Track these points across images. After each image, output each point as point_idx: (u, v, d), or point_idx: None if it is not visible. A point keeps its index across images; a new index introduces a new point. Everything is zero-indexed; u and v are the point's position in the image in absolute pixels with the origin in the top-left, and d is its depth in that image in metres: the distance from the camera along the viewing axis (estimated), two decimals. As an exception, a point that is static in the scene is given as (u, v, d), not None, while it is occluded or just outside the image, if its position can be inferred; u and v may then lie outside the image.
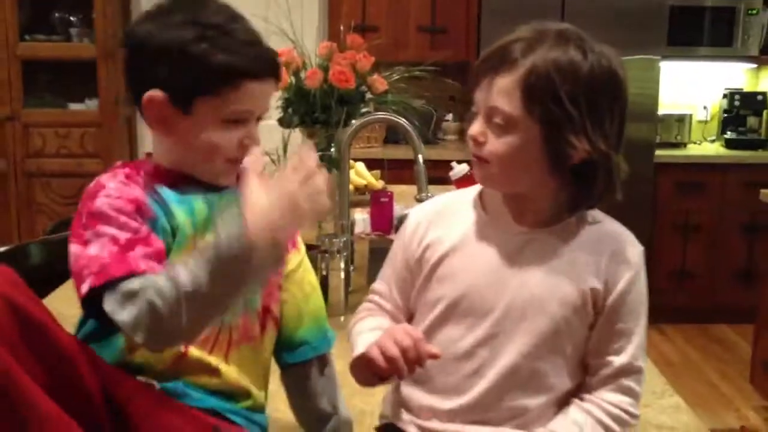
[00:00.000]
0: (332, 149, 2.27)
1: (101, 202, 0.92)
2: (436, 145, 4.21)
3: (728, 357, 3.72)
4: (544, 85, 0.90)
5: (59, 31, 3.93)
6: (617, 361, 0.95)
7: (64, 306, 1.66)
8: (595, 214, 1.00)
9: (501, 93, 0.92)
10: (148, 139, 4.50)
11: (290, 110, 2.34)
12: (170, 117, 0.97)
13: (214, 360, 1.00)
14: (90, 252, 0.90)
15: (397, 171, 3.38)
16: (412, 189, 2.55)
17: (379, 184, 2.74)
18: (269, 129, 2.31)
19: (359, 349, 0.98)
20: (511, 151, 0.93)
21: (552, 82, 0.90)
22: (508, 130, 0.92)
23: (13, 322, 0.84)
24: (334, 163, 2.20)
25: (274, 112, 2.35)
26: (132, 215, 0.93)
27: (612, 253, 0.96)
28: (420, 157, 1.82)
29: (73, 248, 0.92)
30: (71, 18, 3.95)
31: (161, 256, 0.92)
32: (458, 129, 4.34)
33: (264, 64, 0.97)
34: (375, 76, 2.38)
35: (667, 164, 3.98)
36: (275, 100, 2.33)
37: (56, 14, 3.95)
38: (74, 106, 4.00)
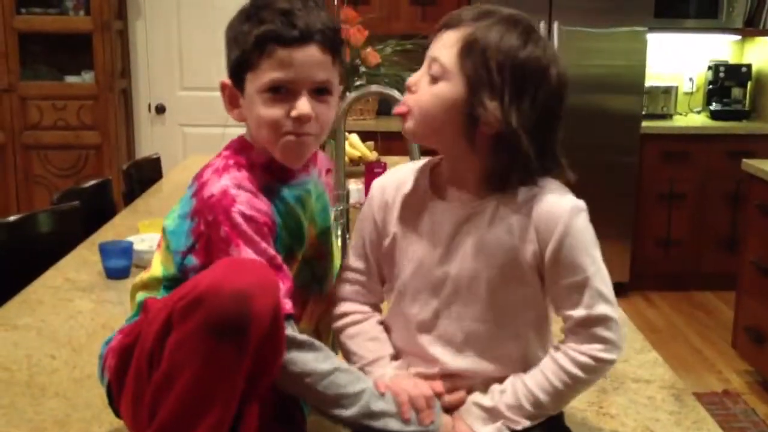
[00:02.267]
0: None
1: (239, 221, 0.96)
2: (428, 117, 4.27)
3: (711, 323, 3.85)
4: (481, 47, 0.96)
5: (55, 4, 3.96)
6: (575, 314, 1.00)
7: (73, 272, 1.75)
8: (541, 183, 1.02)
9: (444, 45, 0.98)
10: (143, 112, 4.57)
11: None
12: (236, 99, 1.04)
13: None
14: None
15: (390, 142, 3.44)
16: (404, 160, 2.63)
17: (373, 155, 2.81)
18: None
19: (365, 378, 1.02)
20: (434, 101, 0.97)
21: (488, 47, 0.96)
22: (440, 80, 0.97)
23: (272, 331, 0.90)
24: (330, 134, 2.28)
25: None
26: (268, 239, 0.98)
27: (540, 214, 1.00)
28: (413, 129, 1.89)
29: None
30: (66, -9, 3.98)
31: (289, 293, 0.98)
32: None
33: (295, 30, 0.97)
34: (368, 50, 2.44)
35: (653, 135, 4.05)
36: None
37: (51, -13, 3.98)
38: (71, 79, 4.05)
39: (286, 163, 1.04)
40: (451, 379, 1.04)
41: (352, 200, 2.37)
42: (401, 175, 1.09)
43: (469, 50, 0.96)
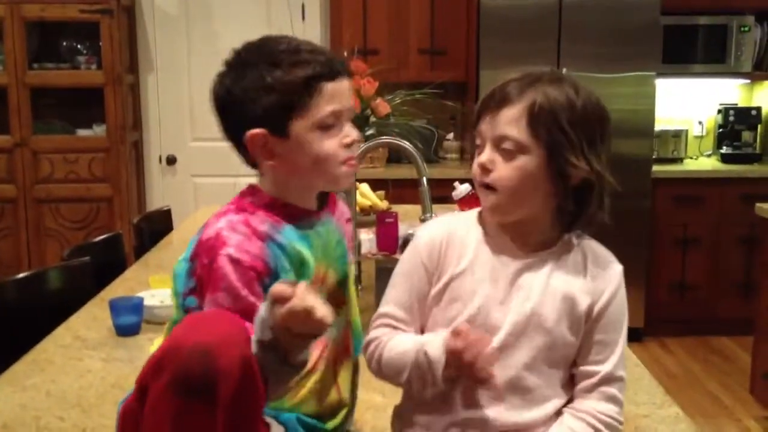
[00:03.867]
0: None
1: (224, 265, 0.98)
2: (438, 164, 4.28)
3: (729, 368, 3.77)
4: (548, 113, 1.01)
5: (67, 59, 4.02)
6: (602, 370, 1.04)
7: (83, 329, 1.73)
8: (581, 236, 1.10)
9: (509, 122, 1.02)
10: (154, 164, 4.60)
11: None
12: (274, 146, 1.05)
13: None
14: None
15: (401, 190, 3.45)
16: (416, 209, 2.62)
17: (384, 204, 2.80)
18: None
19: (433, 340, 1.03)
20: (520, 175, 1.02)
21: (554, 110, 1.01)
22: (517, 155, 1.01)
23: (244, 383, 0.88)
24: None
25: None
26: (252, 285, 0.99)
27: (597, 271, 1.07)
28: (424, 180, 1.89)
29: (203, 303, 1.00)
30: (78, 46, 4.04)
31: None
32: (459, 148, 4.42)
33: (335, 64, 1.04)
34: (378, 100, 2.44)
35: (664, 179, 4.04)
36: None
37: (64, 43, 4.04)
38: (82, 132, 4.08)
39: (339, 188, 1.11)
40: (484, 426, 1.04)
41: (363, 250, 2.36)
42: (450, 224, 1.12)
43: (537, 120, 1.01)
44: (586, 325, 1.05)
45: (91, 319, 1.82)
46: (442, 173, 3.84)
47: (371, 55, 4.00)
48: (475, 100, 4.45)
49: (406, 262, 1.11)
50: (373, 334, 1.10)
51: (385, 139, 2.04)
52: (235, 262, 0.98)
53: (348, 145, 1.06)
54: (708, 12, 4.16)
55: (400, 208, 2.87)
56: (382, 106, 2.45)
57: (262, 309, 0.90)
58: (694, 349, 4.03)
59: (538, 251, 1.06)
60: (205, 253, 1.01)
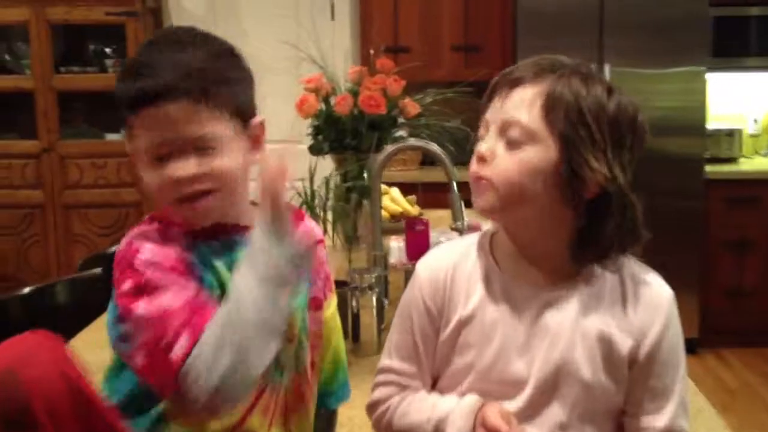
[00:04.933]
0: (365, 176, 2.20)
1: (142, 270, 0.86)
2: (474, 166, 4.11)
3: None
4: (569, 103, 0.83)
5: (94, 63, 3.95)
6: (657, 423, 0.86)
7: (86, 352, 1.61)
8: (617, 258, 0.91)
9: (519, 104, 0.85)
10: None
11: (320, 137, 2.28)
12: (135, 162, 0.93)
13: None
14: (149, 317, 0.84)
15: (435, 194, 3.28)
16: (449, 214, 2.47)
17: (415, 210, 2.65)
18: (298, 155, 2.26)
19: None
20: (522, 170, 0.84)
21: (578, 101, 0.84)
22: (524, 144, 0.84)
23: (67, 395, 0.80)
24: (366, 192, 2.13)
25: (305, 138, 2.30)
26: (185, 277, 0.87)
27: (639, 301, 0.88)
28: (454, 185, 1.73)
29: (128, 319, 0.86)
30: (105, 49, 3.97)
31: None
32: (497, 148, 4.25)
33: (148, 86, 0.86)
34: (406, 100, 2.31)
35: (717, 180, 3.81)
36: (305, 127, 2.28)
37: (90, 46, 3.98)
38: (111, 137, 4.01)
39: (196, 225, 0.92)
40: None
41: (392, 259, 2.21)
42: (453, 253, 0.94)
43: (555, 107, 0.83)
44: (631, 372, 0.86)
45: (95, 340, 1.70)
46: (479, 175, 3.68)
47: (402, 53, 3.85)
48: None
49: (407, 304, 0.95)
50: (378, 394, 0.95)
51: (412, 141, 1.90)
52: (153, 264, 0.86)
53: (175, 184, 0.87)
54: (761, 2, 3.91)
55: (433, 214, 2.71)
56: (411, 106, 2.30)
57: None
58: (752, 361, 3.79)
59: (563, 281, 0.88)
60: (117, 266, 0.88)
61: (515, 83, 0.86)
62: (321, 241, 1.05)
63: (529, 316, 0.87)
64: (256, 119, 0.95)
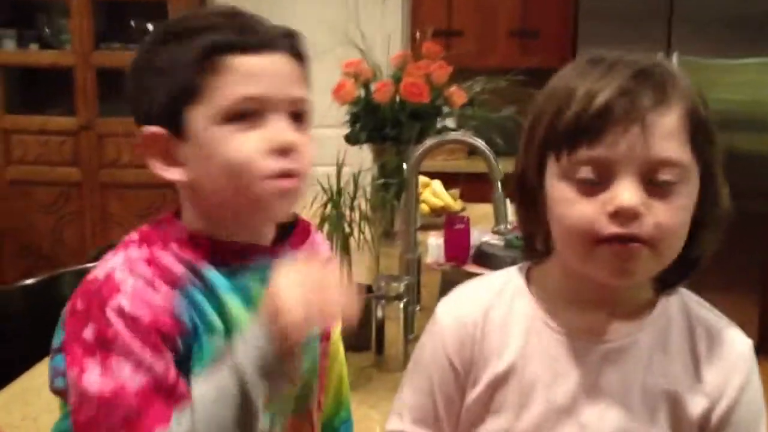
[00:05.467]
0: (404, 169, 2.05)
1: (114, 321, 0.69)
2: (524, 158, 3.91)
3: None
4: (704, 120, 0.71)
5: (135, 39, 3.85)
6: None
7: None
8: (683, 296, 0.78)
9: (668, 136, 0.68)
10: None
11: (358, 126, 2.13)
12: (175, 152, 0.74)
13: None
14: (97, 391, 0.68)
15: (481, 185, 3.10)
16: (491, 209, 2.29)
17: (458, 204, 2.48)
18: (333, 142, 2.11)
19: None
20: (683, 221, 0.70)
21: (708, 118, 0.71)
22: (678, 187, 0.69)
23: None
24: (404, 185, 1.97)
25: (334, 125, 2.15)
26: (159, 349, 0.69)
27: (714, 354, 0.74)
28: (499, 185, 1.56)
29: (72, 374, 0.71)
30: (147, 25, 3.87)
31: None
32: (549, 140, 4.04)
33: (250, 31, 0.73)
34: (453, 88, 2.14)
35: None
36: (340, 111, 2.13)
37: (132, 22, 3.88)
38: (150, 116, 3.93)
39: (271, 218, 0.77)
40: None
41: (429, 259, 2.05)
42: (483, 295, 0.79)
43: (698, 129, 0.70)
44: None
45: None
46: (529, 168, 3.49)
47: (455, 36, 3.67)
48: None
49: (425, 358, 0.79)
50: None
51: (455, 134, 1.74)
52: (129, 318, 0.68)
53: (277, 151, 0.72)
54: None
55: (477, 209, 2.54)
56: (457, 94, 2.14)
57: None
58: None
59: (626, 323, 0.73)
60: (85, 297, 0.72)
61: (646, 108, 0.68)
62: (330, 260, 0.89)
63: (580, 373, 0.72)
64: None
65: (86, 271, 1.85)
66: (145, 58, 0.76)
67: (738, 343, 0.75)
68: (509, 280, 0.79)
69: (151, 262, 0.72)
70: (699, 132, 0.69)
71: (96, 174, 3.89)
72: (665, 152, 0.67)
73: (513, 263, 2.06)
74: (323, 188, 1.40)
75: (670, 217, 0.67)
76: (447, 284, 1.88)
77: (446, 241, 2.01)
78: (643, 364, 0.72)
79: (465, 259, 1.98)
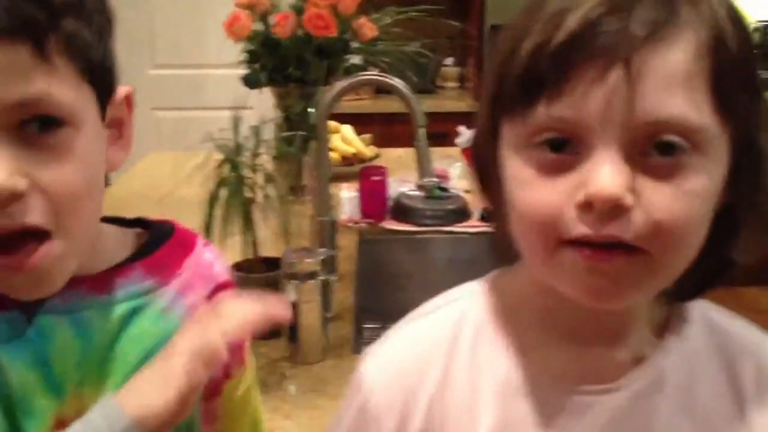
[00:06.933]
0: (310, 113, 1.82)
1: None
2: (435, 94, 3.73)
3: None
4: (737, 56, 0.46)
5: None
6: None
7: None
8: (701, 307, 0.58)
9: (667, 85, 0.45)
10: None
11: (257, 66, 1.88)
12: None
13: None
14: None
15: (393, 126, 2.92)
16: (410, 155, 2.11)
17: (371, 151, 2.28)
18: (230, 84, 1.85)
19: None
20: (700, 208, 0.47)
21: (743, 49, 0.47)
22: (690, 161, 0.46)
23: None
24: (311, 133, 1.75)
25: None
26: None
27: (763, 386, 0.55)
28: (421, 132, 1.37)
29: None
30: None
31: None
32: (458, 75, 3.87)
33: None
34: (362, 20, 1.91)
35: None
36: (237, 53, 1.87)
37: None
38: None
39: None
40: None
41: (343, 216, 1.85)
42: (428, 339, 0.56)
43: (722, 74, 0.46)
44: None
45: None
46: (440, 106, 3.32)
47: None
48: (480, 16, 3.77)
49: (347, 425, 0.58)
50: None
51: (369, 74, 1.52)
52: None
53: None
54: None
55: (391, 154, 2.35)
56: (368, 27, 1.92)
57: None
58: (726, 304, 3.57)
59: (636, 360, 0.53)
60: None
61: (637, 37, 0.45)
62: (226, 286, 0.66)
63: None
64: (121, 91, 0.59)
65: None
66: None
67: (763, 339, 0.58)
68: (465, 311, 0.56)
69: None
70: (727, 76, 0.46)
71: None
72: (665, 108, 0.44)
73: (435, 217, 1.87)
74: (218, 146, 1.16)
75: (674, 207, 0.45)
76: (365, 246, 1.69)
77: (362, 195, 1.81)
78: (670, 403, 0.53)
79: (383, 215, 1.79)
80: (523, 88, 0.46)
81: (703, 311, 0.57)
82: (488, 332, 0.55)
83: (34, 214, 0.49)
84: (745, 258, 0.52)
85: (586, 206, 0.45)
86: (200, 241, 0.66)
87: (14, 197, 0.48)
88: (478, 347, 0.54)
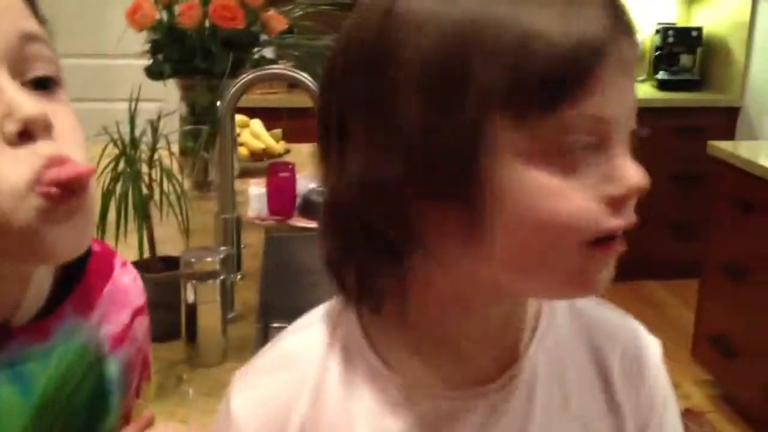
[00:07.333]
0: (217, 107, 1.77)
1: None
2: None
3: (660, 321, 3.46)
4: None
5: None
6: None
7: None
8: None
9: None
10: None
11: (160, 56, 1.82)
12: None
13: None
14: None
15: (305, 121, 2.89)
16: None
17: (281, 146, 2.24)
18: (133, 76, 1.79)
19: None
20: None
21: None
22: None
23: None
24: (217, 128, 1.71)
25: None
26: None
27: (627, 368, 0.57)
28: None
29: None
30: None
31: None
32: (372, 69, 3.87)
33: None
34: (271, 12, 1.88)
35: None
36: (139, 38, 1.81)
37: None
38: None
39: (32, 262, 0.51)
40: None
41: (251, 213, 1.82)
42: (298, 368, 0.54)
43: None
44: None
45: None
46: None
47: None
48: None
49: None
50: None
51: (273, 69, 1.49)
52: None
53: (20, 134, 0.45)
54: None
55: (302, 150, 2.32)
56: (276, 20, 1.88)
57: None
58: (625, 295, 3.71)
59: (507, 356, 0.54)
60: None
61: (629, 49, 0.47)
62: (142, 311, 0.63)
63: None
64: None
65: None
66: None
67: (653, 348, 0.59)
68: (334, 329, 0.54)
69: None
70: None
71: None
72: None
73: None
74: (113, 140, 1.11)
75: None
76: (272, 243, 1.66)
77: (270, 192, 1.78)
78: (542, 403, 0.53)
79: (291, 212, 1.76)
80: (547, 89, 0.44)
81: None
82: (359, 348, 0.53)
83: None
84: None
85: (623, 199, 0.46)
86: (117, 261, 0.61)
87: (48, 128, 0.46)
88: (350, 364, 0.53)
